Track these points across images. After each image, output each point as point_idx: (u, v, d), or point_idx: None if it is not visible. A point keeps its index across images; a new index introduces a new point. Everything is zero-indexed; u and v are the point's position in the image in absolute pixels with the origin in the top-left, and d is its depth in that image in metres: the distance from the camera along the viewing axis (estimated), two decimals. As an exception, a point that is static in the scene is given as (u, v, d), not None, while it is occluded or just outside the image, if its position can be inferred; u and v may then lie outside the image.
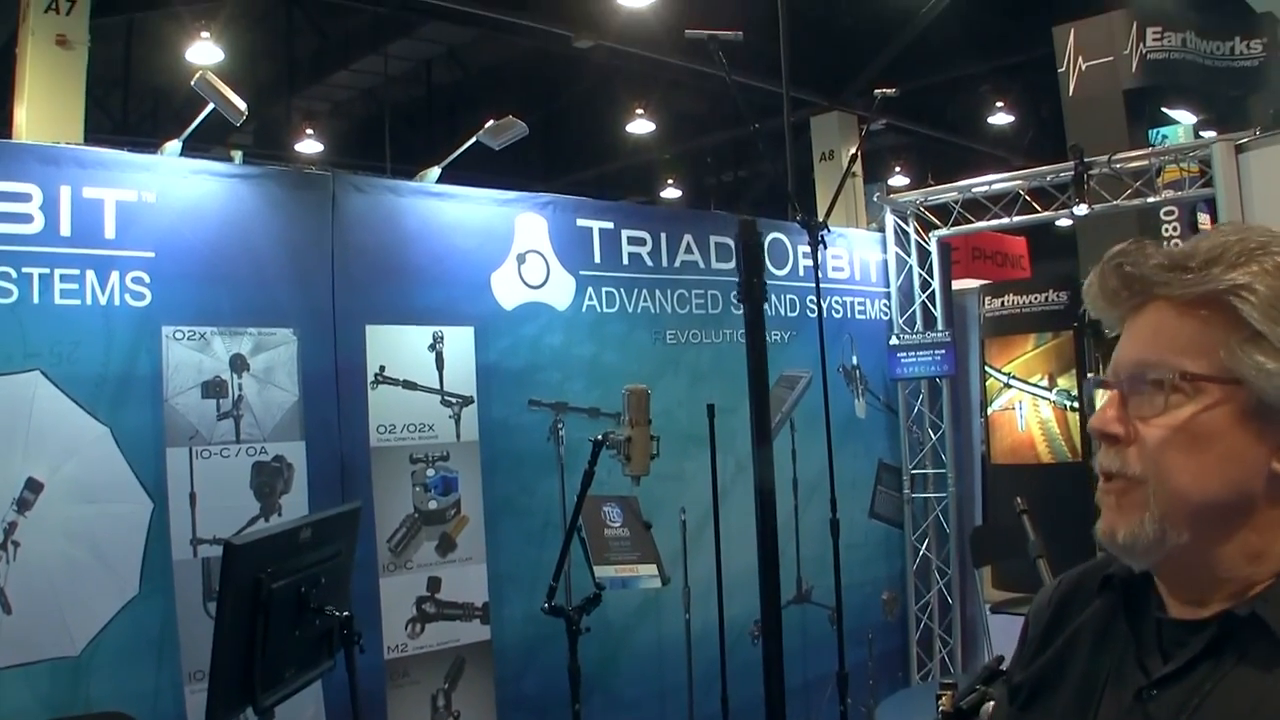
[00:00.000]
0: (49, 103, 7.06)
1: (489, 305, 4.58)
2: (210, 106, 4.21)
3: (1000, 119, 12.92)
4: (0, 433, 3.43)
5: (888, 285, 6.50)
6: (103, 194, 3.69)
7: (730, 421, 4.97)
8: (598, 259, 5.00)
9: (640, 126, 12.29)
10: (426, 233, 4.48)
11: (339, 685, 3.62)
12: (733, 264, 5.39)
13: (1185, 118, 6.68)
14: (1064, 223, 6.93)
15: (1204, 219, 6.02)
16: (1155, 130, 6.41)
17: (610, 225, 5.09)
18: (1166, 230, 5.71)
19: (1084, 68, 6.64)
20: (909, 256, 6.50)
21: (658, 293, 5.20)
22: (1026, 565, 5.06)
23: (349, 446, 4.14)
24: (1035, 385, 5.95)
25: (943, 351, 6.18)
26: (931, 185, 6.69)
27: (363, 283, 4.24)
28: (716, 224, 5.66)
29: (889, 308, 6.47)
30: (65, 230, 3.59)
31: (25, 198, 3.55)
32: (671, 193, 15.70)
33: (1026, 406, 5.99)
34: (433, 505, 4.29)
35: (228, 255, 3.92)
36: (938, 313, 6.43)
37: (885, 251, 6.52)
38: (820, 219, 5.54)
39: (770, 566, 1.22)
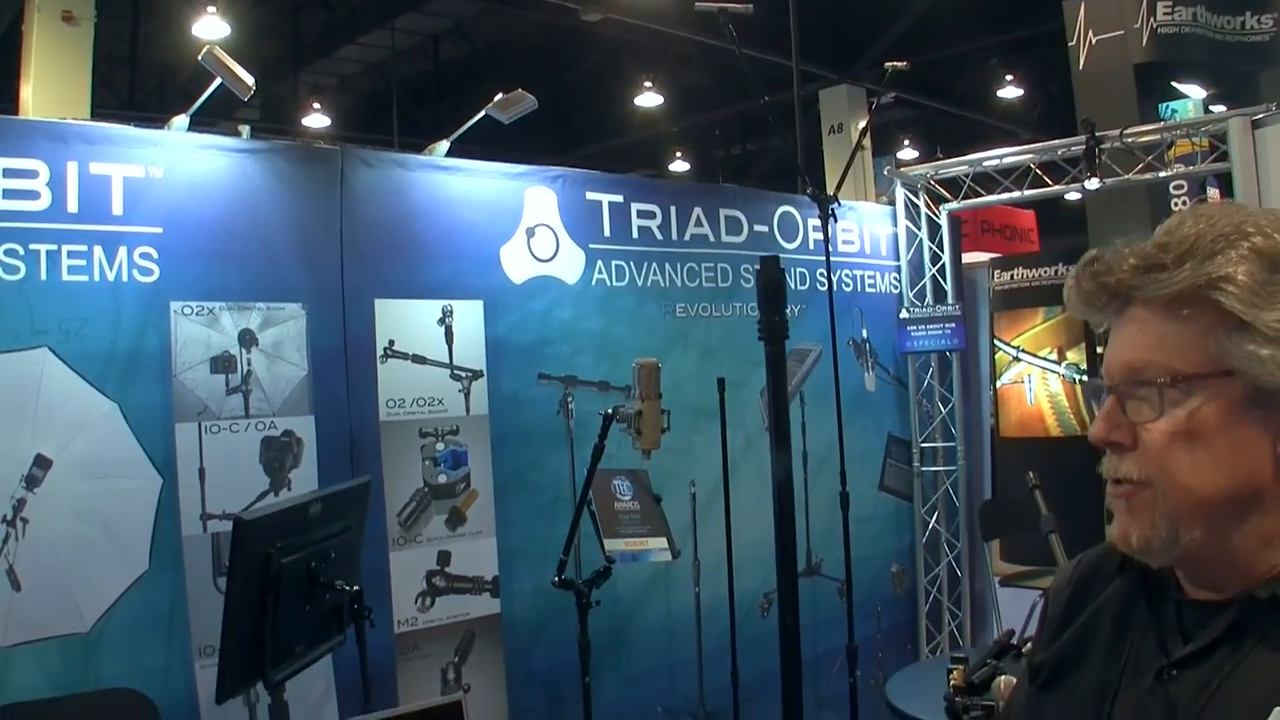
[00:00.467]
0: (55, 79, 7.06)
1: (498, 279, 4.57)
2: (217, 82, 4.20)
3: (1009, 93, 12.88)
4: (8, 410, 3.43)
5: (898, 259, 6.48)
6: (110, 170, 3.68)
7: (740, 395, 4.98)
8: (607, 232, 4.98)
9: (649, 100, 12.27)
10: (435, 207, 4.47)
11: (349, 660, 3.62)
12: (743, 237, 5.45)
13: (1195, 92, 6.64)
14: (1073, 197, 6.90)
15: (1213, 193, 5.99)
16: (1165, 104, 6.37)
17: (620, 199, 5.07)
18: (1176, 204, 5.68)
19: (1094, 41, 6.59)
20: (919, 230, 6.48)
21: (667, 266, 5.19)
22: (1035, 540, 5.05)
23: (358, 421, 4.14)
24: (1044, 359, 5.93)
25: (953, 325, 6.17)
26: (941, 159, 6.65)
27: (371, 257, 4.23)
28: (726, 198, 5.64)
29: (899, 281, 6.46)
30: (72, 207, 3.58)
31: (32, 174, 3.54)
32: (680, 166, 15.67)
33: (1035, 380, 5.97)
34: (442, 479, 4.29)
35: (236, 230, 3.91)
36: (948, 286, 6.41)
37: (895, 225, 6.50)
38: (830, 192, 5.54)
39: (789, 588, 1.20)
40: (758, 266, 1.16)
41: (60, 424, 3.49)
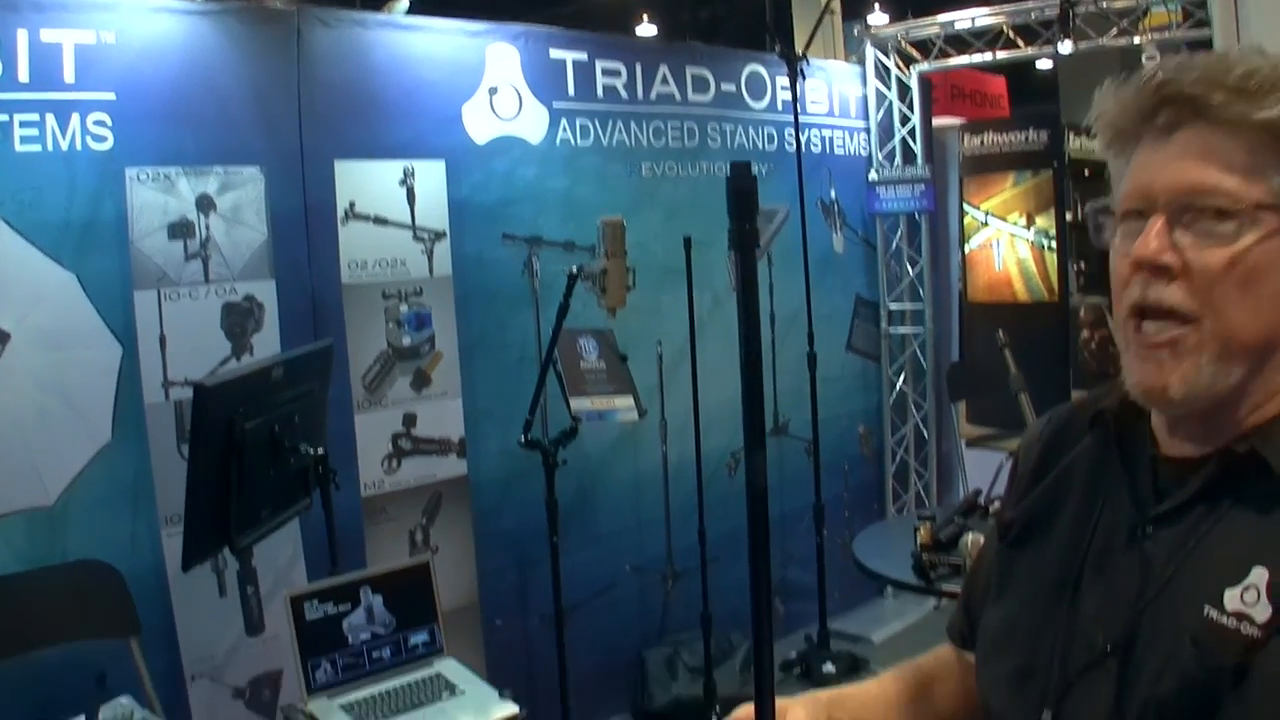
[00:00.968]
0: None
1: (460, 139, 4.49)
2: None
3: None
4: (-37, 285, 3.37)
5: (867, 120, 6.41)
6: (61, 36, 3.55)
7: (707, 255, 4.94)
8: (571, 91, 4.88)
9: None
10: (395, 66, 4.36)
11: (316, 524, 3.63)
12: (710, 96, 5.37)
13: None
14: (1044, 64, 6.81)
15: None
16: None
17: (584, 57, 4.96)
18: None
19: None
20: (889, 91, 6.39)
21: (633, 125, 5.10)
22: (1001, 402, 5.10)
23: (320, 284, 4.09)
24: (1013, 224, 5.90)
25: (922, 188, 6.13)
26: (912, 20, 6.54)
27: (330, 118, 4.13)
28: (693, 56, 5.53)
29: (868, 143, 6.39)
30: (23, 76, 3.47)
31: (-19, 45, 3.43)
32: (647, 30, 15.39)
33: (1004, 245, 5.96)
34: (406, 341, 4.25)
35: (191, 95, 3.80)
36: (917, 149, 6.35)
37: (865, 86, 6.40)
38: (799, 52, 5.45)
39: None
40: (728, 172, 1.10)
41: (17, 296, 3.42)
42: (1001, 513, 1.50)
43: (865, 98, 6.40)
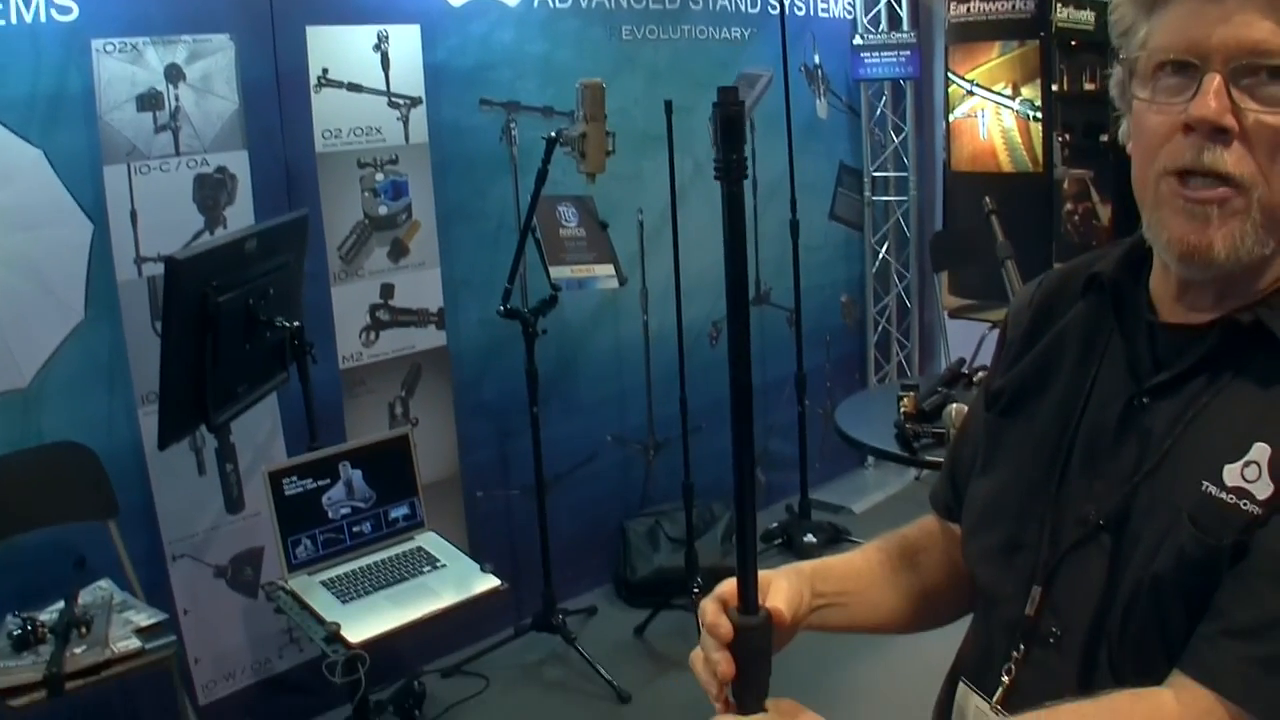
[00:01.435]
0: None
1: (435, 2, 4.34)
2: None
3: None
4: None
5: (852, -18, 6.27)
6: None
7: (688, 120, 4.85)
8: (549, -49, 4.74)
9: None
10: (367, -74, 4.21)
11: (294, 398, 3.59)
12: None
13: None
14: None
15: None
16: None
17: (561, -86, 4.81)
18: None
19: None
20: (874, -49, 6.25)
21: (613, -13, 4.97)
22: (984, 273, 5.03)
23: (294, 153, 3.99)
24: (999, 94, 5.79)
25: (907, 53, 6.02)
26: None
27: (301, -18, 4.00)
28: (674, -86, 5.37)
29: (853, 6, 6.24)
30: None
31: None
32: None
33: (989, 115, 5.85)
34: (383, 211, 4.17)
35: (157, -39, 3.67)
36: (903, 13, 6.22)
37: (850, -54, 6.26)
38: (782, -91, 5.30)
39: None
40: (714, 99, 1.03)
41: (-16, 175, 3.34)
42: (989, 381, 1.46)
43: (850, -41, 6.24)
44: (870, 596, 1.45)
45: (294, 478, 3.42)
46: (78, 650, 3.01)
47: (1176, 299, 1.21)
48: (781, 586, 1.28)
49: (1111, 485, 1.21)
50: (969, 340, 5.47)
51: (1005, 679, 1.28)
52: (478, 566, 3.47)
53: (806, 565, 1.39)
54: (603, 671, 4.24)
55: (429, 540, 3.64)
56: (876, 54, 6.06)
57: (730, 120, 1.08)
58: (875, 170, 6.34)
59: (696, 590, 4.57)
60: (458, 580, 3.42)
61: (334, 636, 3.05)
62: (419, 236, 4.27)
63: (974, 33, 5.83)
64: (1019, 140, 5.70)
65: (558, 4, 4.71)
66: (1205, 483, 1.12)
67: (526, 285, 4.47)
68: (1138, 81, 1.17)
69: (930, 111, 6.42)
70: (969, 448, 1.47)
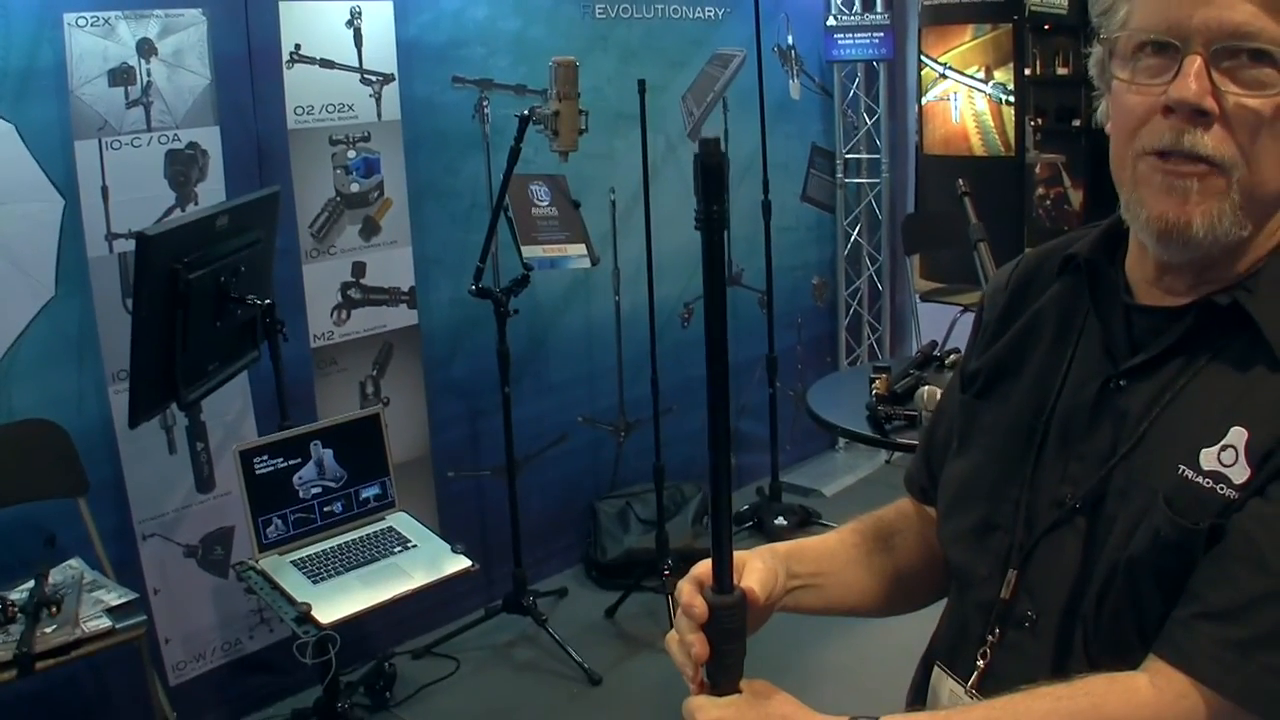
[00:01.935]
0: None
1: (409, -23, 4.33)
2: None
3: None
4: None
5: (825, -38, 6.26)
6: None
7: (661, 99, 4.85)
8: (521, -73, 4.72)
9: None
10: (339, -101, 4.18)
11: (265, 376, 3.58)
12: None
13: None
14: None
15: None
16: None
17: (535, -109, 4.78)
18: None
19: None
20: (848, -68, 6.24)
21: (586, -36, 4.95)
22: (956, 256, 5.04)
23: (265, 129, 3.96)
24: (971, 77, 5.80)
25: (881, 35, 6.01)
26: None
27: (272, -45, 3.97)
28: (649, -111, 5.35)
29: (826, -13, 6.24)
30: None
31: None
32: None
33: (961, 98, 5.86)
34: (355, 188, 4.14)
35: (128, -67, 3.63)
36: (877, -6, 6.23)
37: (824, -73, 6.24)
38: (757, -111, 5.28)
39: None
40: (696, 150, 1.02)
41: (-46, 151, 3.30)
42: (965, 362, 1.46)
43: (824, -60, 6.23)
44: (845, 578, 1.44)
45: (265, 456, 3.41)
46: (48, 629, 2.98)
47: (1153, 282, 1.22)
48: (756, 567, 1.28)
49: (1087, 467, 1.21)
50: (940, 323, 5.49)
51: (980, 662, 1.29)
52: (448, 547, 3.46)
53: (781, 546, 1.39)
54: (573, 653, 4.24)
55: (400, 520, 3.63)
56: (850, 35, 6.05)
57: (711, 171, 1.07)
58: (848, 152, 6.34)
59: (667, 572, 4.57)
60: (429, 561, 3.41)
61: (305, 617, 3.04)
62: (391, 214, 4.25)
63: (947, 15, 5.84)
64: (991, 124, 5.72)
65: (531, -19, 4.69)
66: (1182, 466, 1.12)
67: (498, 264, 4.45)
68: (1117, 61, 1.17)
69: (903, 94, 6.42)
70: (944, 430, 1.47)
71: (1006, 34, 5.59)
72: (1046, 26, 5.71)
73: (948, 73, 5.83)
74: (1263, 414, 1.09)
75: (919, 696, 1.42)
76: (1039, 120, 5.78)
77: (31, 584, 3.12)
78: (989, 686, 1.26)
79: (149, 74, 3.61)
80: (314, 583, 3.24)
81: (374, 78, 4.15)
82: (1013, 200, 5.64)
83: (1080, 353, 1.27)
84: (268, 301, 3.39)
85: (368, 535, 3.53)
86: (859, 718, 1.13)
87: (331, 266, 4.13)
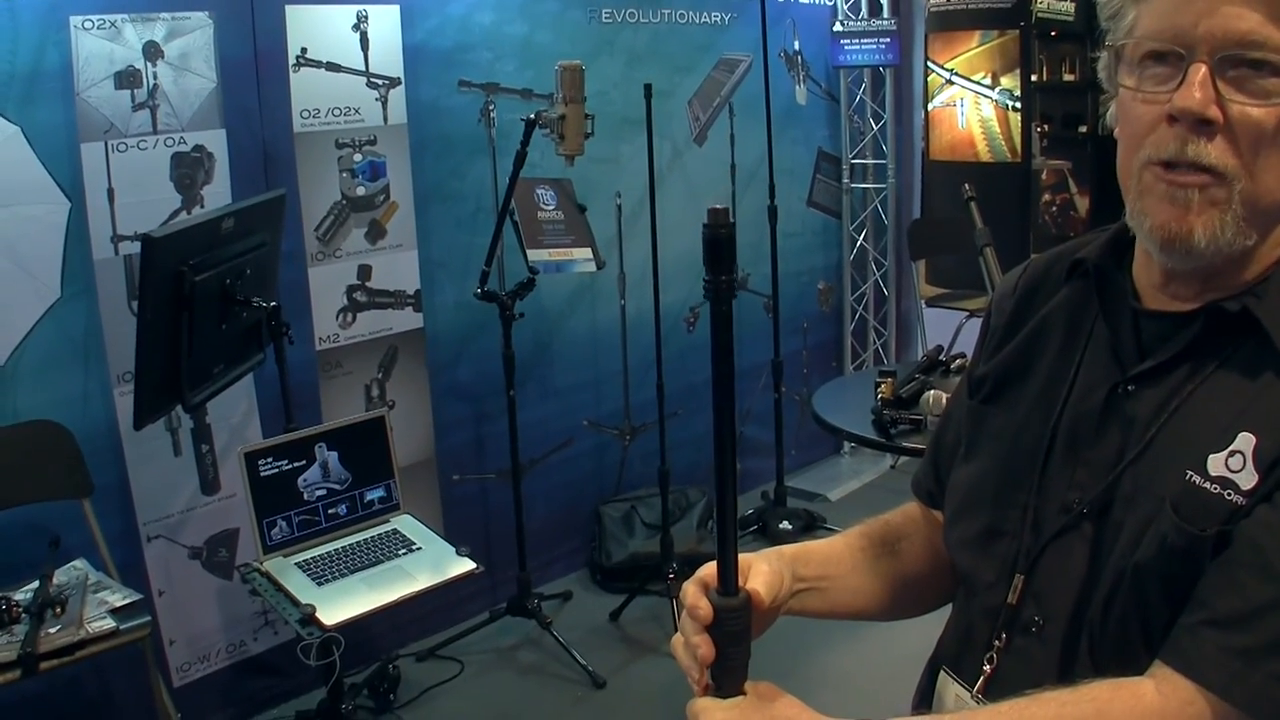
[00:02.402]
0: None
1: (414, -18, 4.33)
2: None
3: None
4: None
5: (832, -31, 6.26)
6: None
7: (667, 104, 4.85)
8: (529, -68, 4.72)
9: None
10: (347, -95, 4.18)
11: (270, 379, 3.59)
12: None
13: None
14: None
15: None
16: None
17: (541, -105, 4.78)
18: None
19: None
20: (855, -62, 6.24)
21: (593, -31, 4.95)
22: (962, 262, 5.03)
23: (271, 133, 3.96)
24: (978, 83, 5.80)
25: (887, 40, 6.02)
26: None
27: (280, -40, 3.97)
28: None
29: (833, -8, 6.24)
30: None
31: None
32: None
33: (968, 104, 5.85)
34: (360, 191, 4.15)
35: (135, -64, 3.63)
36: (883, 0, 6.22)
37: (830, -68, 6.24)
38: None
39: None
40: (705, 221, 1.01)
41: (-40, 153, 3.31)
42: (972, 367, 1.45)
43: (831, -55, 6.23)
44: (851, 582, 1.44)
45: (269, 459, 3.41)
46: (52, 630, 2.98)
47: (1160, 288, 1.21)
48: (762, 569, 1.27)
49: (1095, 473, 1.21)
50: (946, 329, 5.48)
51: (986, 667, 1.28)
52: (453, 549, 3.46)
53: (787, 549, 1.38)
54: (578, 656, 4.23)
55: (404, 523, 3.63)
56: (856, 40, 6.05)
57: (717, 243, 1.06)
58: (854, 157, 6.34)
59: (672, 576, 4.57)
60: (433, 563, 3.41)
61: (309, 619, 3.04)
62: (397, 218, 4.25)
63: (954, 21, 5.83)
64: (998, 130, 5.71)
65: (537, -14, 4.69)
66: (1189, 472, 1.12)
67: (504, 268, 4.45)
68: (1124, 68, 1.17)
69: (909, 99, 6.42)
70: (951, 435, 1.47)
71: (1013, 40, 5.58)
72: (1053, 33, 5.70)
73: (954, 79, 5.82)
74: (1271, 420, 1.09)
75: (925, 701, 1.41)
76: (1045, 126, 5.77)
77: (36, 585, 3.12)
78: (995, 692, 1.26)
79: (155, 77, 3.62)
80: (318, 585, 3.24)
81: (380, 81, 4.15)
82: (1019, 206, 5.63)
83: (1088, 358, 1.27)
84: (273, 304, 3.40)
85: (372, 538, 3.53)
86: None
87: (337, 270, 4.14)
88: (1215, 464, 1.10)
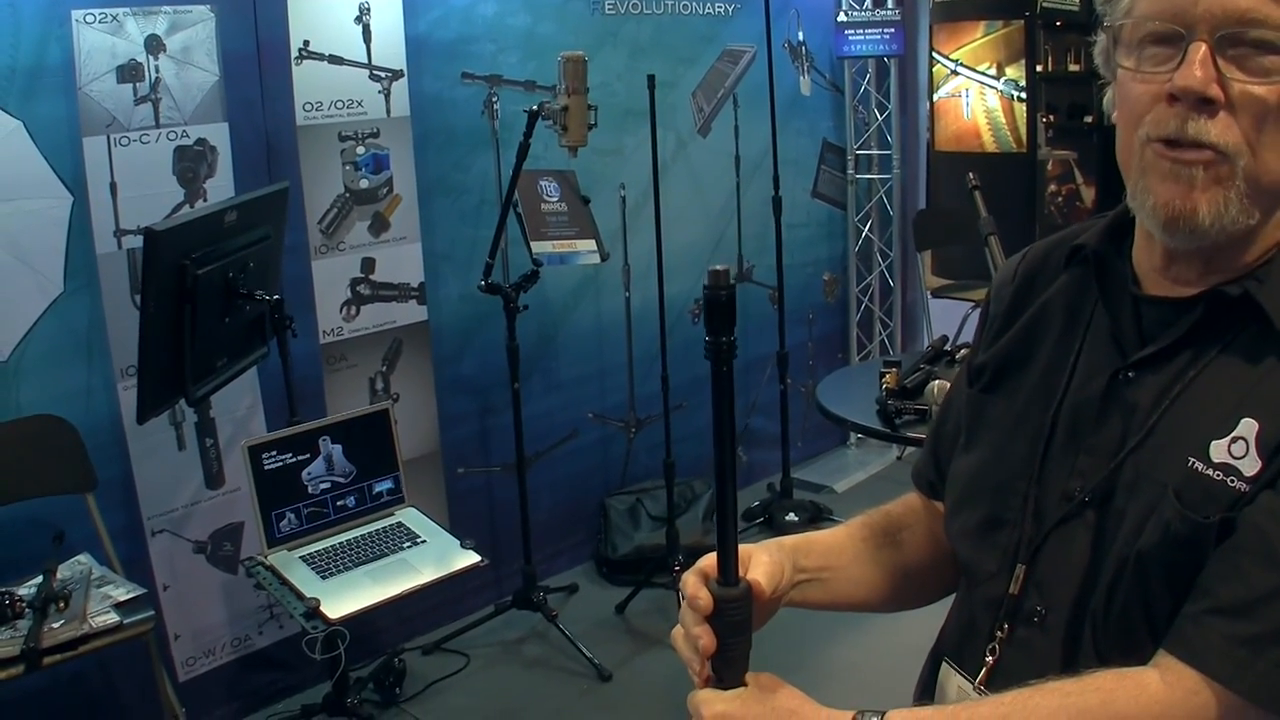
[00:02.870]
0: None
1: (417, -27, 4.32)
2: None
3: None
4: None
5: (836, -42, 6.24)
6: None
7: (671, 95, 4.84)
8: (529, -78, 4.71)
9: None
10: (349, -104, 4.17)
11: (275, 373, 3.58)
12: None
13: None
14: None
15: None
16: None
17: (545, -113, 4.77)
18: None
19: None
20: (859, -73, 6.22)
21: (596, -40, 4.94)
22: (968, 253, 5.00)
23: (274, 126, 3.96)
24: (983, 74, 5.78)
25: (892, 31, 6.00)
26: None
27: (282, -48, 3.96)
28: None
29: (838, -18, 6.23)
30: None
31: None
32: None
33: (973, 95, 5.83)
34: (364, 184, 4.14)
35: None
36: (887, -11, 6.21)
37: (834, -78, 6.22)
38: (767, -116, 5.26)
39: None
40: (705, 282, 1.02)
41: (-38, 147, 3.30)
42: (971, 356, 1.44)
43: (835, -65, 6.21)
44: (852, 573, 1.43)
45: (274, 452, 3.40)
46: (55, 625, 2.98)
47: (1161, 272, 1.20)
48: (762, 560, 1.27)
49: (1096, 461, 1.20)
50: (952, 320, 5.47)
51: (989, 658, 1.27)
52: (458, 542, 3.46)
53: (788, 540, 1.38)
54: (583, 649, 4.23)
55: (409, 516, 3.63)
56: (860, 31, 6.03)
57: (717, 305, 1.06)
58: (858, 148, 6.32)
59: (677, 568, 4.56)
60: (438, 556, 3.41)
61: (313, 612, 3.04)
62: (400, 210, 4.24)
63: (958, 11, 5.81)
64: (1003, 120, 5.69)
65: (540, -24, 4.68)
66: (1192, 459, 1.11)
67: (508, 260, 4.45)
68: (1122, 49, 1.16)
69: (914, 90, 6.40)
70: (952, 424, 1.46)
71: (1018, 30, 5.56)
72: (1058, 23, 5.68)
73: (959, 69, 5.80)
74: (1274, 405, 1.08)
75: (926, 693, 1.41)
76: (1051, 117, 5.75)
77: (39, 580, 3.12)
78: (998, 683, 1.25)
79: (157, 70, 3.61)
80: (323, 578, 3.24)
81: (383, 74, 4.14)
82: (1025, 197, 5.62)
83: (1088, 345, 1.26)
84: (276, 297, 3.39)
85: (377, 531, 3.52)
86: (865, 712, 1.12)
87: (341, 263, 4.13)
88: (1218, 450, 1.09)
